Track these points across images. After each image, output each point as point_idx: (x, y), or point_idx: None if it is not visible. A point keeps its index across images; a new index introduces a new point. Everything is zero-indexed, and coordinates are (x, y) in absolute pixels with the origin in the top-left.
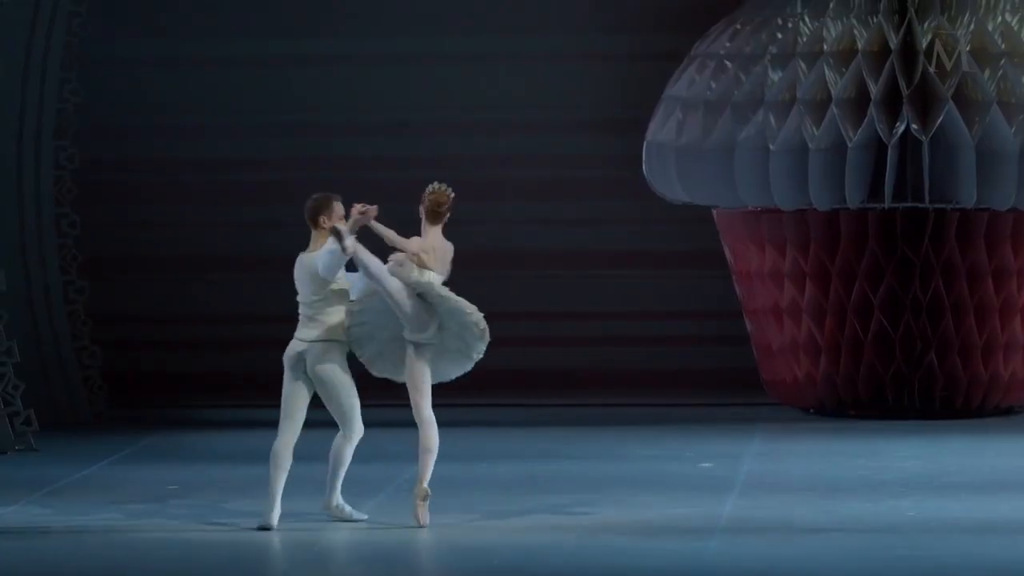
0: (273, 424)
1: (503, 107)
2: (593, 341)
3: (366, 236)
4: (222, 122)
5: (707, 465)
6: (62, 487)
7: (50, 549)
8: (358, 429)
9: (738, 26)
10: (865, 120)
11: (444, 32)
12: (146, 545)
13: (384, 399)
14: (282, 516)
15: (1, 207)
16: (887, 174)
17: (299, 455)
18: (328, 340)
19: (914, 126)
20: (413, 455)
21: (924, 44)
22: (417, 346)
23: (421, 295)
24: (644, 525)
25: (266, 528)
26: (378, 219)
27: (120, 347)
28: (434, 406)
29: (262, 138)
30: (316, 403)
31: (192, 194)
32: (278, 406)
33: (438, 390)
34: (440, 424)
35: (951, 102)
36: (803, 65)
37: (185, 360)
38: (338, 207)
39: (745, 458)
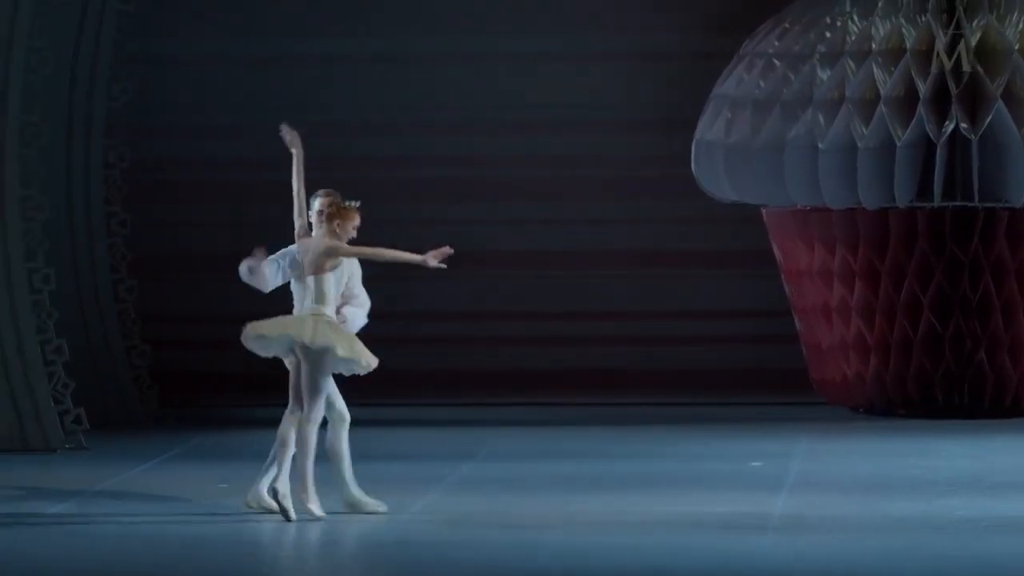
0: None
1: (551, 107)
2: (642, 340)
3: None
4: (271, 120)
5: (757, 464)
6: (112, 486)
7: (99, 548)
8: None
9: (787, 25)
10: (914, 119)
11: (493, 31)
12: (195, 543)
13: (430, 398)
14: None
15: (51, 206)
16: (936, 173)
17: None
18: None
19: (963, 125)
20: (455, 454)
21: (973, 43)
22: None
23: None
24: (694, 523)
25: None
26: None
27: (170, 346)
28: (487, 405)
29: (312, 137)
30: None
31: (242, 193)
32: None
33: (486, 390)
34: (489, 424)
35: (1000, 101)
36: (852, 64)
37: (235, 359)
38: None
39: (795, 457)
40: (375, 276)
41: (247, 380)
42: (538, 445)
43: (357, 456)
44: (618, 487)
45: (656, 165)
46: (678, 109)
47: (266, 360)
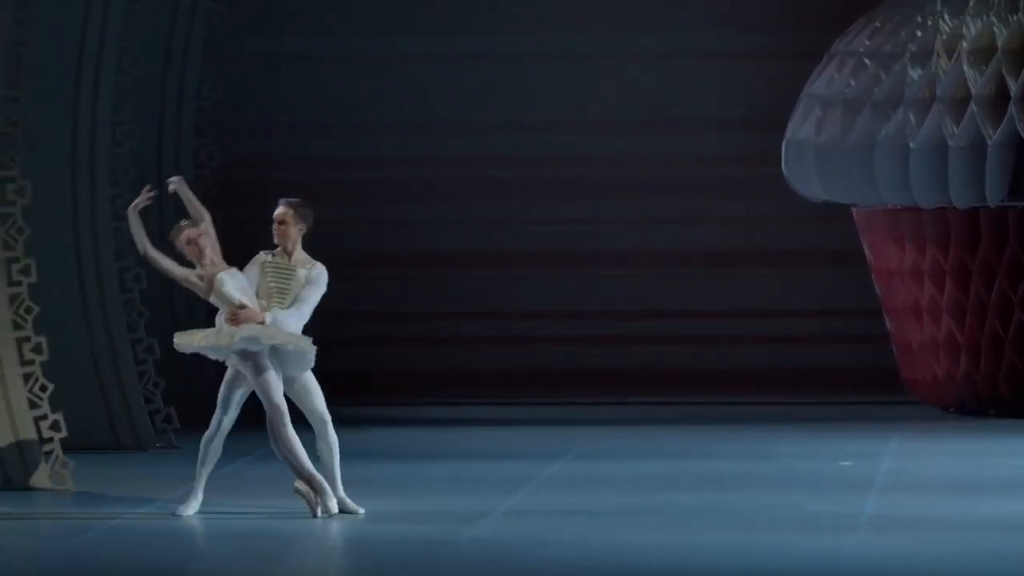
0: (406, 421)
1: (643, 106)
2: (733, 339)
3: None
4: (361, 119)
5: (847, 463)
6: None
7: (188, 546)
8: None
9: (877, 24)
10: (1005, 118)
11: (583, 30)
12: (284, 542)
13: (523, 397)
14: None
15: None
16: None
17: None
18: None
19: None
20: (545, 453)
21: None
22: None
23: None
24: (784, 522)
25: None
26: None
27: None
28: (584, 404)
29: (402, 136)
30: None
31: (332, 191)
32: (414, 403)
33: (575, 390)
34: (579, 423)
35: None
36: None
37: (324, 358)
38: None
39: (885, 456)
40: (466, 274)
41: (336, 378)
42: (627, 445)
43: (450, 456)
44: (707, 487)
45: (747, 164)
46: (769, 108)
47: (354, 358)
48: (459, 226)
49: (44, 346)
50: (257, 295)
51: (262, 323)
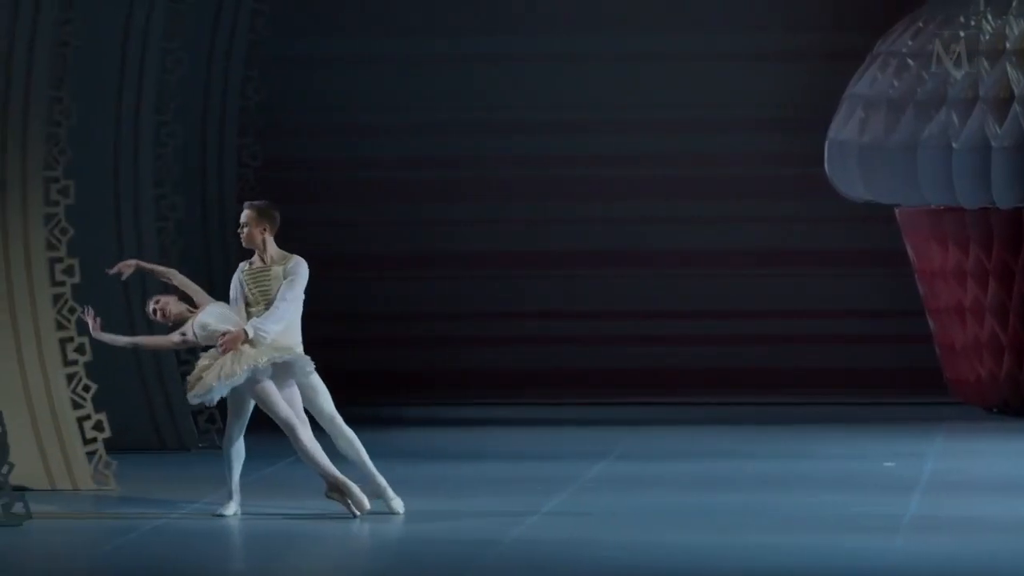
0: (460, 422)
1: (686, 106)
2: (776, 340)
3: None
4: (405, 120)
5: (890, 464)
6: (243, 484)
7: (230, 547)
8: None
9: (920, 24)
10: None
11: (627, 31)
12: (324, 542)
13: (566, 397)
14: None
15: (185, 206)
16: None
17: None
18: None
19: None
20: (588, 453)
21: None
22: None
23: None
24: (826, 523)
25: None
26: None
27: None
28: (620, 404)
29: (447, 136)
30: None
31: (374, 192)
32: (462, 403)
33: (618, 390)
34: (622, 423)
35: None
36: (986, 63)
37: (366, 357)
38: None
39: (928, 457)
40: (502, 275)
41: (381, 378)
42: (670, 445)
43: (491, 456)
44: (750, 487)
45: (789, 164)
46: (811, 108)
47: (398, 358)
48: (489, 226)
49: (87, 346)
50: (247, 303)
51: (247, 340)
